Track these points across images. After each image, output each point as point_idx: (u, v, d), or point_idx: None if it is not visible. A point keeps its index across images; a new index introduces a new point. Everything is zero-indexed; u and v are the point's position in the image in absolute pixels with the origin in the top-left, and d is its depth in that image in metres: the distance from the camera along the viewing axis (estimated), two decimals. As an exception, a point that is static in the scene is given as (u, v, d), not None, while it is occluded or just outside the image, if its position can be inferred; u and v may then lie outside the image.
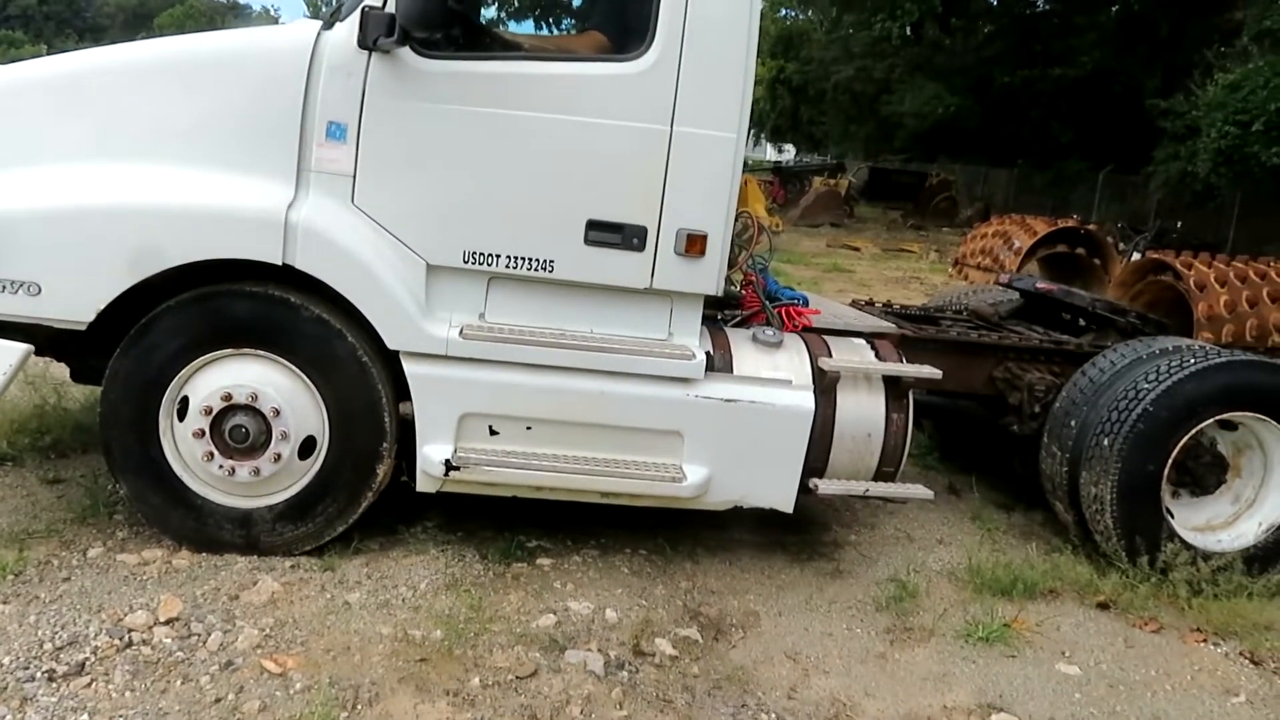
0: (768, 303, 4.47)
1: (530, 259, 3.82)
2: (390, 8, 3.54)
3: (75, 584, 3.55)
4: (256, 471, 3.76)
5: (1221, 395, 4.39)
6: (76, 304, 3.60)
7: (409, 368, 3.78)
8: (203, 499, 3.82)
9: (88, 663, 3.06)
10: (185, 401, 3.74)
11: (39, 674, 2.97)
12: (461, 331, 3.79)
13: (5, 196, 3.60)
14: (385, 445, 3.84)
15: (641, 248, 3.84)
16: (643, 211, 3.83)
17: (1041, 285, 5.91)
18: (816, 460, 4.12)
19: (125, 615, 3.34)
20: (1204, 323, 9.01)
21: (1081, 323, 5.65)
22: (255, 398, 3.71)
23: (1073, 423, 4.55)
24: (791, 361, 4.17)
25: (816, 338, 4.32)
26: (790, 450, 4.02)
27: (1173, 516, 4.47)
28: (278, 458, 3.76)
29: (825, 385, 4.11)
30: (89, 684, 2.96)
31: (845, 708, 3.34)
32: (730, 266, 4.23)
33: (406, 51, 3.65)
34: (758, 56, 3.98)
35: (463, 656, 3.32)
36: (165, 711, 2.88)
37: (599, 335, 3.94)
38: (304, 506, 3.86)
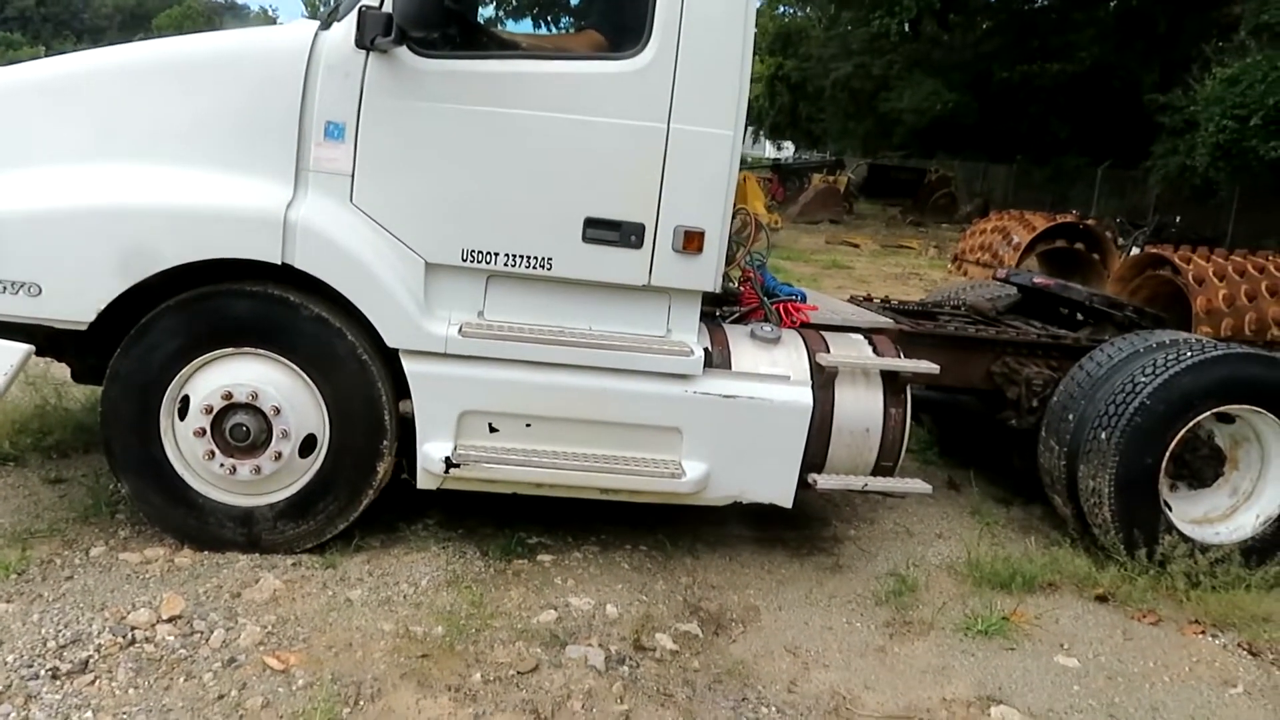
0: (766, 299, 4.48)
1: (528, 257, 3.84)
2: (387, 7, 3.55)
3: (78, 583, 3.57)
4: (257, 470, 3.77)
5: (1218, 388, 4.41)
6: (77, 304, 3.61)
7: (408, 366, 3.79)
8: (204, 497, 3.84)
9: (91, 660, 3.08)
10: (186, 400, 3.75)
11: (43, 672, 2.99)
12: (460, 329, 3.80)
13: (5, 198, 3.61)
14: (385, 443, 3.86)
15: (639, 245, 3.86)
16: (640, 209, 3.84)
17: (1039, 280, 5.93)
18: (815, 455, 4.14)
19: (128, 613, 3.36)
20: (1203, 317, 9.03)
21: (1079, 317, 5.66)
22: (256, 396, 3.72)
23: (1070, 417, 4.57)
24: (789, 357, 4.18)
25: (814, 333, 4.34)
26: (789, 445, 4.04)
27: (1170, 509, 4.49)
28: (278, 456, 3.77)
29: (823, 381, 4.13)
30: (93, 681, 2.98)
31: (845, 701, 3.36)
32: (728, 263, 4.24)
33: (404, 51, 3.66)
34: (755, 54, 3.99)
35: (464, 652, 3.33)
36: (169, 708, 2.90)
37: (597, 332, 3.96)
38: (305, 504, 3.87)
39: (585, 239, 3.83)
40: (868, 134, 38.44)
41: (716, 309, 4.43)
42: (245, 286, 3.74)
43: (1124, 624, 4.07)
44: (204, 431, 3.73)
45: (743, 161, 4.02)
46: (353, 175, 3.73)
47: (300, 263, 3.67)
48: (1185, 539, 4.38)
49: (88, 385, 4.62)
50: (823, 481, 4.15)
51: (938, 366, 4.37)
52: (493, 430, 3.88)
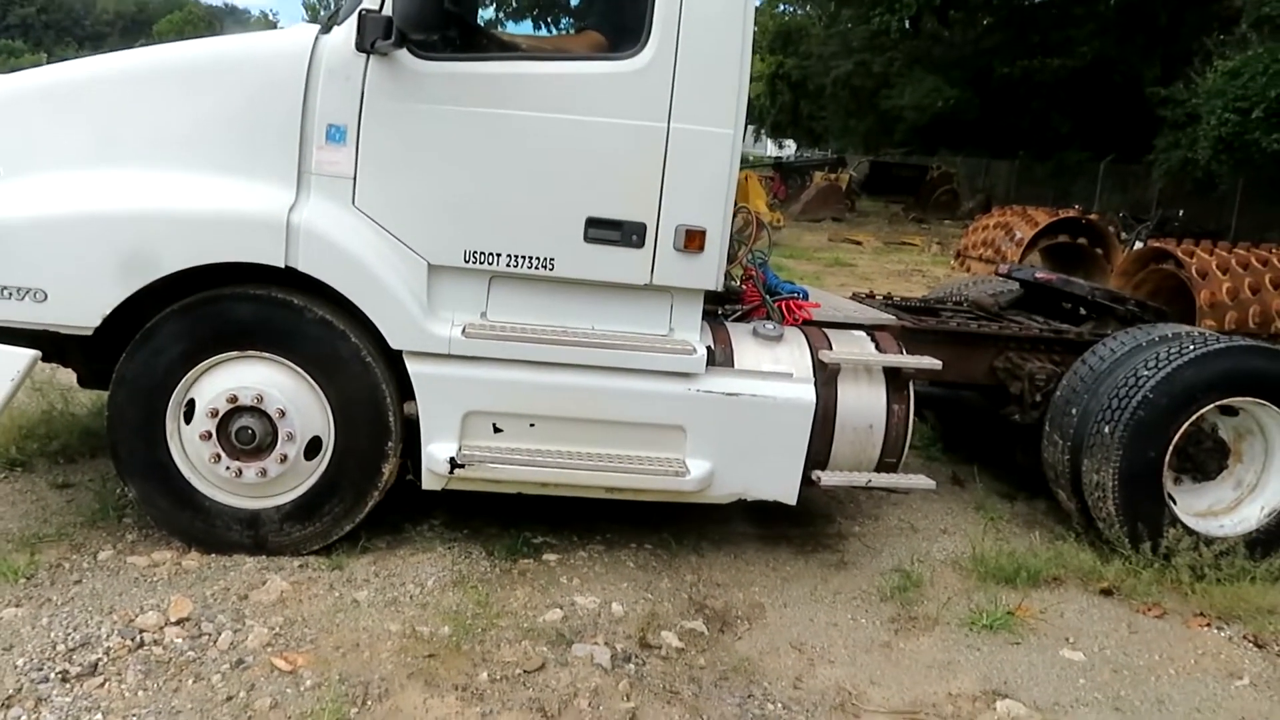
0: (768, 297, 4.49)
1: (531, 257, 3.85)
2: (387, 10, 3.56)
3: (86, 586, 3.59)
4: (263, 472, 3.79)
5: (1221, 381, 4.41)
6: (83, 310, 3.63)
7: (412, 367, 3.81)
8: (210, 500, 3.86)
9: (100, 663, 3.10)
10: (191, 404, 3.77)
11: (53, 675, 3.01)
12: (464, 330, 3.82)
13: (10, 204, 3.63)
14: (390, 444, 3.87)
15: (641, 244, 3.87)
16: (641, 208, 3.86)
17: (1041, 275, 5.93)
18: (819, 452, 4.14)
19: (136, 616, 3.37)
20: (1206, 310, 9.02)
21: (1081, 312, 5.66)
22: (261, 399, 3.74)
23: (1074, 411, 4.57)
24: (792, 354, 4.19)
25: (817, 331, 4.34)
26: (792, 443, 4.05)
27: (1175, 502, 4.49)
28: (284, 458, 3.79)
29: (826, 377, 4.14)
30: (102, 684, 3.00)
31: (851, 696, 3.37)
32: (730, 261, 4.25)
33: (404, 54, 3.67)
34: (755, 52, 4.00)
35: (471, 652, 3.35)
36: (178, 710, 2.92)
37: (600, 332, 3.97)
38: (311, 506, 3.89)
39: (587, 239, 3.84)
40: (869, 131, 38.44)
41: (719, 307, 4.44)
42: (249, 290, 3.76)
43: (1129, 617, 4.08)
44: (210, 435, 3.75)
45: (744, 160, 4.03)
46: (354, 178, 3.75)
47: (303, 266, 3.69)
48: (1190, 532, 4.38)
49: (94, 390, 4.64)
50: (827, 478, 4.15)
51: (940, 362, 4.37)
52: (497, 430, 3.89)
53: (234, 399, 3.73)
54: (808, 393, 4.07)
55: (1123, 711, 3.41)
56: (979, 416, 5.36)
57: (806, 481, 4.13)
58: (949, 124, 31.54)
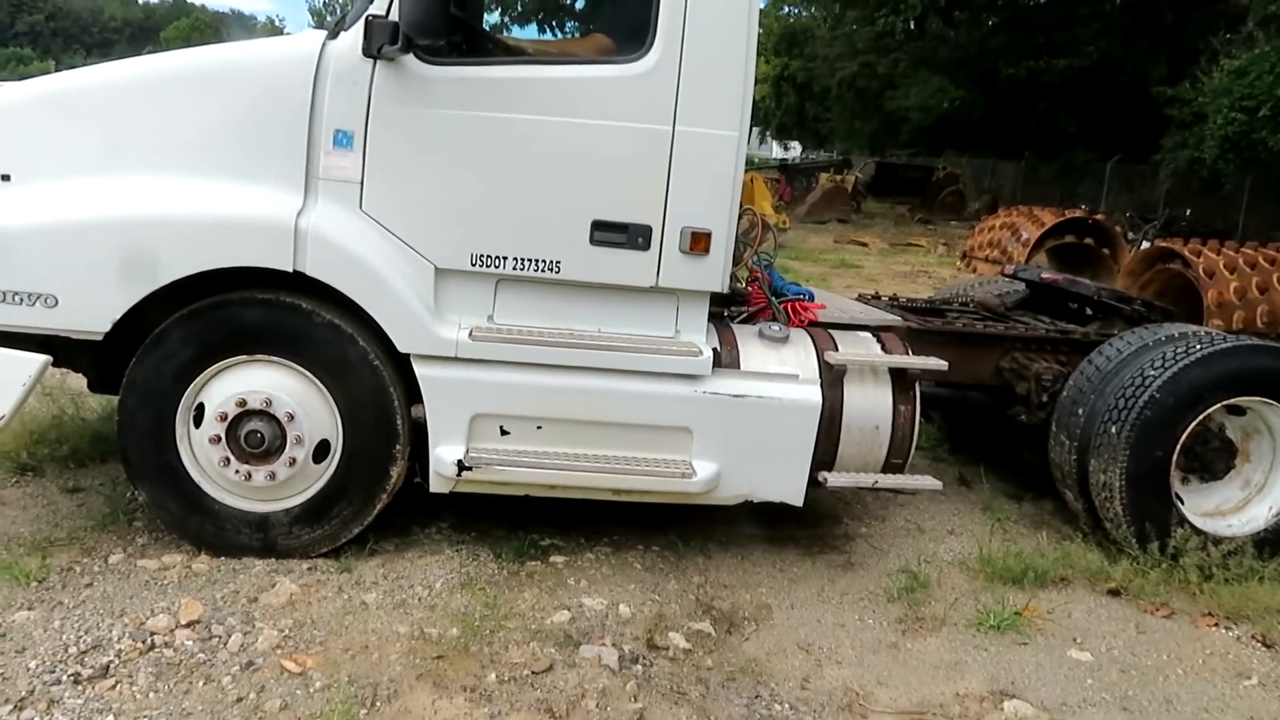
0: (773, 298, 4.50)
1: (537, 260, 3.87)
2: (394, 16, 3.59)
3: (97, 589, 3.61)
4: (272, 476, 3.81)
5: (1228, 380, 4.40)
6: (93, 315, 3.66)
7: (420, 370, 3.83)
8: (220, 504, 3.88)
9: (112, 665, 3.12)
10: (201, 408, 3.80)
11: (65, 677, 3.03)
12: (471, 333, 3.83)
13: (21, 211, 3.66)
14: (398, 447, 3.89)
15: (647, 247, 3.88)
16: (647, 211, 3.87)
17: (1046, 275, 5.93)
18: (825, 453, 4.15)
19: (147, 619, 3.40)
20: (1214, 310, 9.01)
21: (1088, 312, 5.66)
22: (269, 403, 3.76)
23: (1080, 411, 4.57)
24: (798, 356, 4.20)
25: (822, 332, 4.35)
26: (798, 444, 4.05)
27: (1182, 502, 4.49)
28: (293, 462, 3.81)
29: (832, 379, 4.14)
30: (114, 686, 3.02)
31: (858, 697, 3.37)
32: (735, 263, 4.26)
33: (410, 59, 3.70)
34: (760, 54, 4.01)
35: (479, 653, 3.36)
36: (189, 712, 2.94)
37: (606, 334, 3.98)
38: (320, 509, 3.91)
39: (593, 242, 3.86)
40: (874, 133, 38.40)
41: (724, 309, 4.46)
42: (257, 294, 3.78)
43: (1137, 617, 4.07)
44: (219, 438, 3.77)
45: (750, 162, 4.04)
46: (362, 182, 3.77)
47: (311, 270, 3.71)
48: (1197, 532, 4.38)
49: (104, 395, 4.67)
50: (833, 479, 4.16)
51: (946, 363, 4.38)
52: (504, 433, 3.91)
53: (243, 403, 3.76)
54: (814, 394, 4.07)
55: (1131, 711, 3.41)
56: (985, 417, 5.36)
57: (813, 483, 4.13)
58: (954, 125, 31.50)
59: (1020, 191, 29.60)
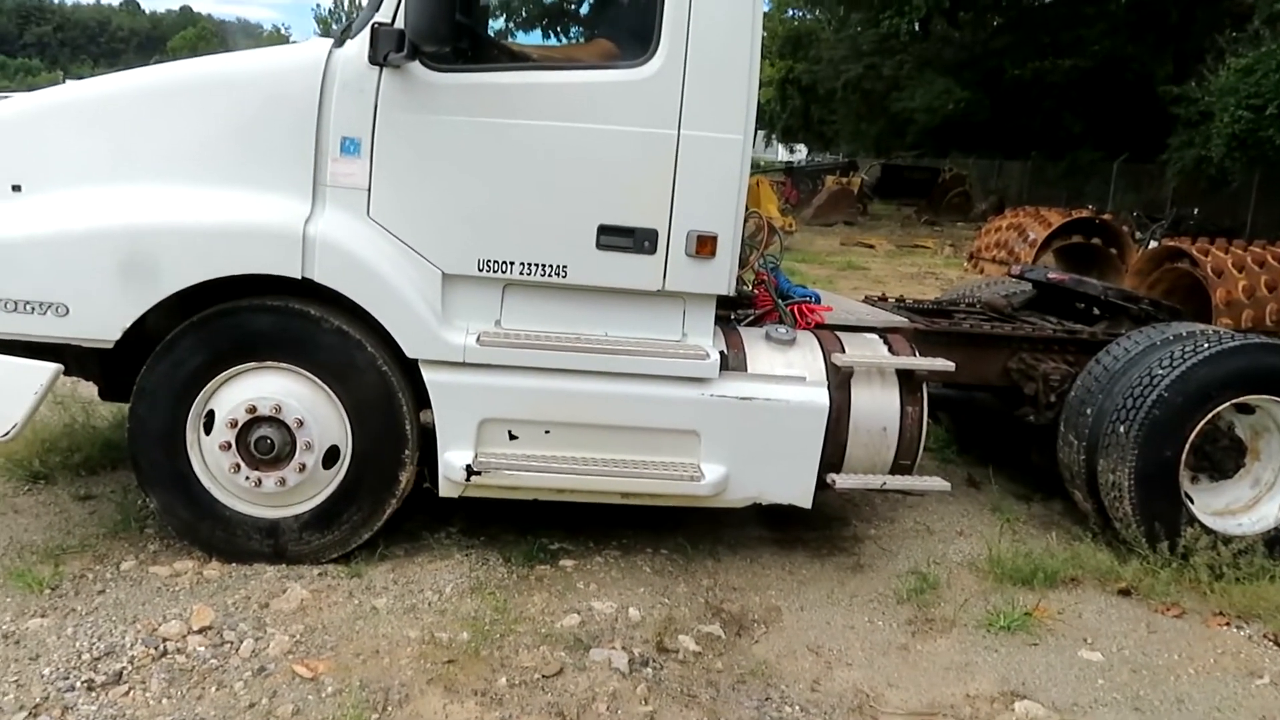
0: (780, 301, 4.51)
1: (544, 265, 3.88)
2: (400, 24, 3.61)
3: (110, 596, 3.63)
4: (282, 482, 3.83)
5: (1237, 379, 4.39)
6: (103, 323, 3.68)
7: (428, 375, 3.84)
8: (230, 510, 3.90)
9: (125, 672, 3.14)
10: (211, 415, 3.82)
11: (78, 684, 3.05)
12: (478, 338, 3.85)
13: (31, 220, 3.69)
14: (407, 452, 3.91)
15: (653, 250, 3.89)
16: (653, 215, 3.88)
17: (1053, 275, 5.92)
18: (833, 455, 4.15)
19: (159, 625, 3.42)
20: (1222, 308, 8.98)
21: (1095, 312, 5.65)
22: (279, 409, 3.78)
23: (1088, 411, 4.56)
24: (805, 358, 4.20)
25: (829, 334, 4.36)
26: (806, 446, 4.06)
27: (1192, 501, 4.48)
28: (302, 468, 3.83)
29: (839, 381, 4.15)
30: (127, 692, 3.04)
31: (868, 699, 3.37)
32: (741, 266, 4.27)
33: (416, 66, 3.71)
34: (765, 57, 4.03)
35: (489, 657, 3.37)
36: (202, 717, 2.95)
37: (613, 338, 3.99)
38: (329, 515, 3.93)
39: (599, 246, 3.87)
40: (880, 135, 38.39)
41: (731, 312, 4.46)
42: (266, 301, 3.81)
43: (1147, 617, 4.06)
44: (229, 445, 3.79)
45: (755, 165, 4.05)
46: (369, 189, 3.79)
47: (320, 277, 3.73)
48: (1207, 531, 4.36)
49: (115, 403, 4.69)
50: (841, 481, 4.16)
51: (953, 364, 4.37)
52: (512, 437, 3.92)
53: (253, 409, 3.77)
54: (821, 396, 4.08)
55: (1142, 711, 3.40)
56: (993, 418, 5.35)
57: (821, 485, 4.13)
58: (960, 126, 31.46)
59: (1027, 192, 29.54)
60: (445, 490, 3.93)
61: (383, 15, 3.67)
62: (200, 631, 3.39)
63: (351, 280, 3.76)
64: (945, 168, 33.19)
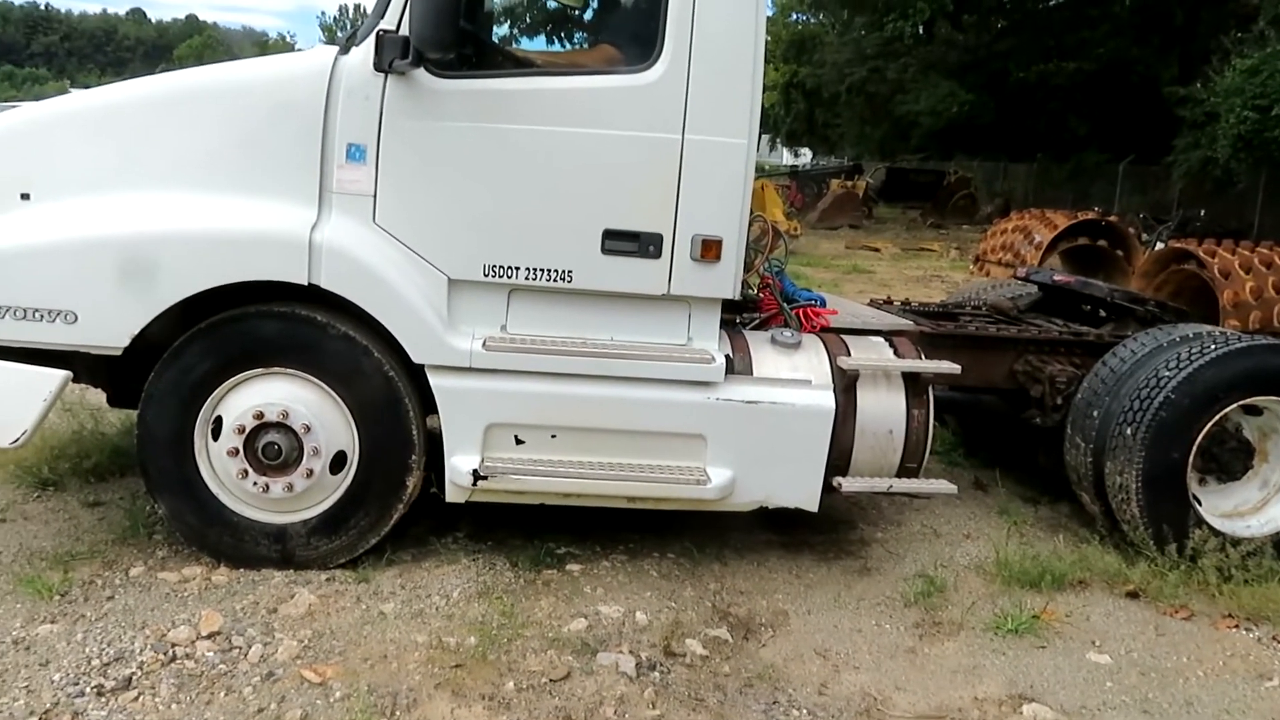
0: (785, 304, 4.52)
1: (549, 270, 3.89)
2: (404, 31, 3.62)
3: (119, 602, 3.65)
4: (290, 487, 3.84)
5: (1244, 380, 4.38)
6: (111, 330, 3.70)
7: (434, 381, 3.86)
8: (238, 516, 3.91)
9: (134, 677, 3.15)
10: (219, 421, 3.83)
11: (88, 689, 3.06)
12: (484, 343, 3.86)
13: (39, 228, 3.71)
14: (414, 457, 3.92)
15: (658, 255, 3.90)
16: (658, 219, 3.89)
17: (1059, 277, 5.91)
18: (839, 459, 4.15)
19: (168, 631, 3.43)
20: (1230, 310, 8.93)
21: (1101, 314, 5.64)
22: (286, 415, 3.79)
23: (1095, 413, 4.56)
24: (810, 362, 4.20)
25: (835, 337, 4.36)
26: (812, 449, 4.06)
27: (1200, 503, 4.46)
28: (310, 473, 3.84)
29: (845, 384, 4.15)
30: (136, 698, 3.05)
31: (876, 702, 3.37)
32: (747, 270, 4.28)
33: (421, 73, 3.73)
34: (769, 62, 4.04)
35: (497, 661, 3.38)
36: (210, 722, 2.97)
37: (619, 342, 4.00)
38: (337, 520, 3.94)
39: (604, 251, 3.88)
40: (885, 138, 38.36)
41: (736, 316, 4.47)
42: (273, 308, 3.82)
43: (1156, 619, 4.05)
44: (237, 451, 3.80)
45: (760, 169, 4.07)
46: (375, 195, 3.81)
47: (326, 283, 3.74)
48: (1215, 533, 4.35)
49: (123, 409, 4.71)
50: (847, 484, 4.16)
51: (959, 367, 4.38)
52: (519, 442, 3.93)
53: (260, 415, 3.79)
54: (827, 399, 4.08)
55: (1151, 714, 3.39)
56: (1000, 420, 5.35)
57: (827, 488, 4.14)
58: (965, 128, 31.43)
59: (1032, 194, 29.47)
60: (452, 495, 3.94)
61: (387, 22, 3.69)
62: (209, 637, 3.40)
63: (358, 286, 3.77)
64: (950, 171, 33.13)
